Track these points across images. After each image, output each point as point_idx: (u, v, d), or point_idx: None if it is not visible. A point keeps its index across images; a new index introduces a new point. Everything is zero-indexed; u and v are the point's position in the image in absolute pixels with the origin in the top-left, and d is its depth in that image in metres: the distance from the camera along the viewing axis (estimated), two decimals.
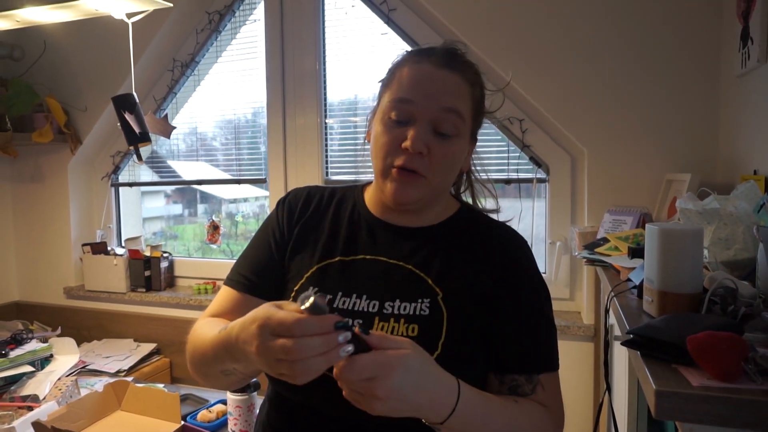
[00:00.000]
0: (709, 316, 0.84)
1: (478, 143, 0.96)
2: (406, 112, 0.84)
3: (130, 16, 1.53)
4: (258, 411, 1.06)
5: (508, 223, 0.97)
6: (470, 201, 1.02)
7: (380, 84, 0.92)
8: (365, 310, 0.84)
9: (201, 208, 3.01)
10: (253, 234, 1.00)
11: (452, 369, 0.74)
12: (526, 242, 0.94)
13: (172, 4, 1.49)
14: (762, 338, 0.80)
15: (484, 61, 2.00)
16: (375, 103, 0.94)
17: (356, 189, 1.00)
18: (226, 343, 0.73)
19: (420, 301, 0.84)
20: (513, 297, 0.87)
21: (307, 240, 0.93)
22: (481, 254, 0.89)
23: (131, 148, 1.49)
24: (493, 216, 0.99)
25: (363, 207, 0.96)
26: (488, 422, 0.75)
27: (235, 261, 0.98)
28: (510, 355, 0.84)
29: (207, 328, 0.84)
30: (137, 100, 1.48)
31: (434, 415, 0.70)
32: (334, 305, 0.86)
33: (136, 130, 1.42)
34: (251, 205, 2.86)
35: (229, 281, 0.94)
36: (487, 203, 1.02)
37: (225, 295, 0.93)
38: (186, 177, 2.82)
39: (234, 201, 2.88)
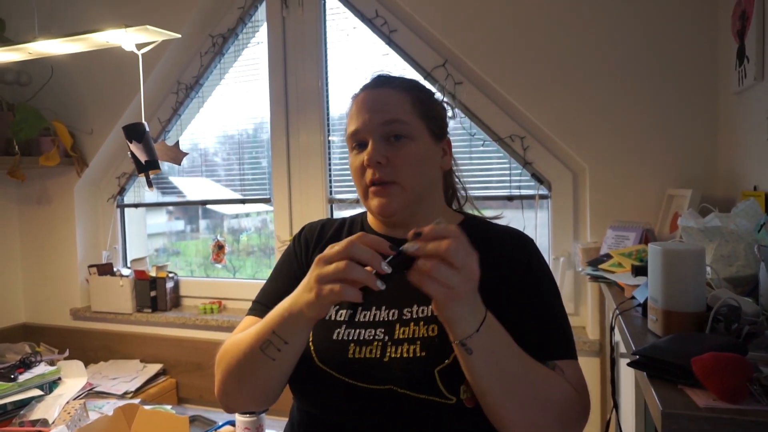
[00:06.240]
0: (713, 335, 0.86)
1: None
2: (359, 138, 0.94)
3: (139, 47, 1.56)
4: None
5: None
6: (469, 209, 1.08)
7: None
8: (386, 319, 0.89)
9: (203, 223, 3.01)
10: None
11: None
12: (533, 241, 0.98)
13: (180, 35, 1.52)
14: (766, 357, 0.81)
15: (485, 80, 2.03)
16: None
17: (362, 214, 1.07)
18: (282, 311, 0.81)
19: None
20: (524, 290, 0.90)
21: None
22: (488, 255, 0.88)
23: (142, 175, 1.51)
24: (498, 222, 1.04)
25: (368, 227, 1.02)
26: (514, 358, 0.78)
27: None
28: (526, 345, 0.82)
29: (242, 333, 0.89)
30: (147, 129, 1.51)
31: (472, 319, 0.74)
32: (356, 318, 0.91)
33: (146, 158, 1.44)
34: (253, 220, 2.87)
35: (252, 311, 0.99)
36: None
37: (248, 323, 0.97)
38: (188, 193, 2.83)
39: (236, 216, 2.89)
